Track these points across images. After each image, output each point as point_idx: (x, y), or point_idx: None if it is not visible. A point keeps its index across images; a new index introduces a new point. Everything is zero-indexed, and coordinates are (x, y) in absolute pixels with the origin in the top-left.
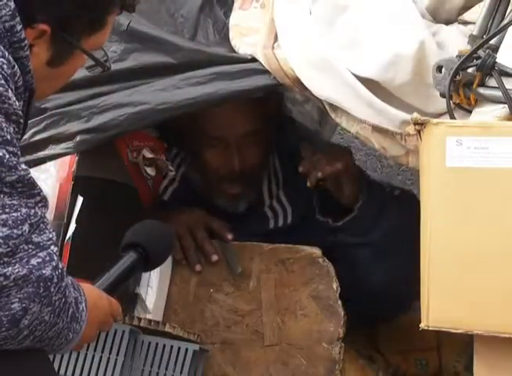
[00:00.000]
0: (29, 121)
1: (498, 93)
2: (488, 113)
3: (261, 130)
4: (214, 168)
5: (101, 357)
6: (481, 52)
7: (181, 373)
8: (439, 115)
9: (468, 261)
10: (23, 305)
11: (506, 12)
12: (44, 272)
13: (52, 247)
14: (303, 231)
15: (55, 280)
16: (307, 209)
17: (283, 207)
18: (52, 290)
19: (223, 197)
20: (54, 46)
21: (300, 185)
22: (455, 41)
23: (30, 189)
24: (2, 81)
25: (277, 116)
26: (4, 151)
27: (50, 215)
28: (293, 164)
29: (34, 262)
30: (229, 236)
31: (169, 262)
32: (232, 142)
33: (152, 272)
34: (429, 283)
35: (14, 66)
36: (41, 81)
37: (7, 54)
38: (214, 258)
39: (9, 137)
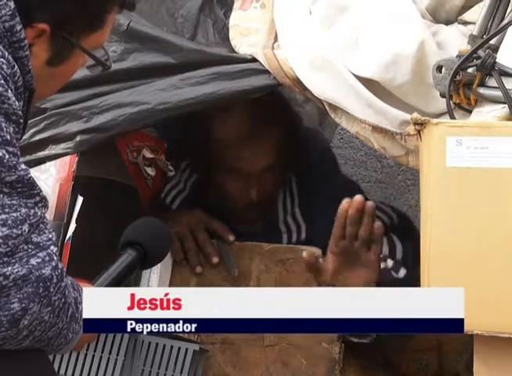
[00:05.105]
0: (29, 121)
1: (498, 93)
2: (488, 113)
3: (281, 161)
4: (230, 195)
5: (101, 357)
6: (481, 52)
7: (181, 373)
8: (439, 115)
9: (468, 261)
10: (23, 305)
11: (506, 12)
12: (43, 272)
13: (52, 247)
14: None
15: (55, 280)
16: (324, 228)
17: (298, 224)
18: (52, 290)
19: (239, 221)
20: (53, 45)
21: (318, 204)
22: (455, 41)
23: (29, 190)
24: (2, 81)
25: (297, 147)
26: (4, 151)
27: (50, 215)
28: (310, 182)
29: (33, 261)
30: (231, 238)
31: (169, 262)
32: (251, 175)
33: (152, 272)
34: (429, 282)
35: (14, 66)
36: (41, 80)
37: (7, 54)
38: (215, 260)
39: (8, 137)
